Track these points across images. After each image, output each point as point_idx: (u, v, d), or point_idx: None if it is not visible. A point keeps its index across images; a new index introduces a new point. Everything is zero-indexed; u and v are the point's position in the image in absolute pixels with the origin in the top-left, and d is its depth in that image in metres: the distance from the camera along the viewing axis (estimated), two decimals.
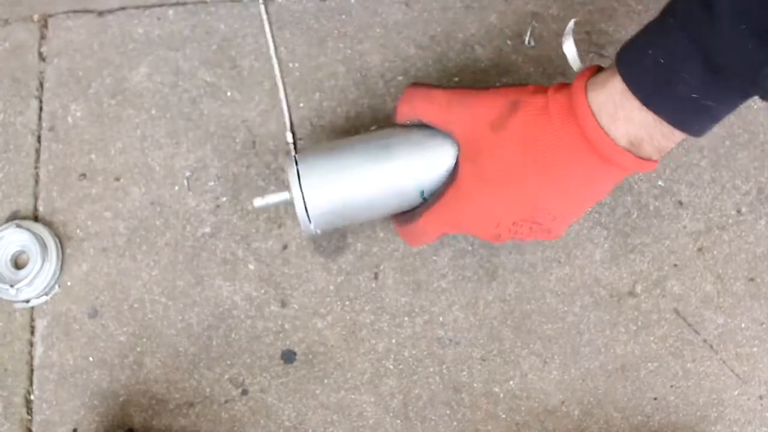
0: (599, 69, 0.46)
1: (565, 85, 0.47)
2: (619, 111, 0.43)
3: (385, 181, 0.51)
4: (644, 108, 0.42)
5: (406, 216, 0.54)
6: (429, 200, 0.52)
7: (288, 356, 0.60)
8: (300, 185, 0.50)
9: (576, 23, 0.51)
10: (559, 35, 0.62)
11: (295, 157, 0.51)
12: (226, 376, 0.60)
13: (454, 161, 0.51)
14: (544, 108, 0.46)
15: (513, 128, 0.47)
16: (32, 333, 0.61)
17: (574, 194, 0.48)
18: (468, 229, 0.51)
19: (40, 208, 0.62)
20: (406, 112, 0.53)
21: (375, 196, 0.51)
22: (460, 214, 0.50)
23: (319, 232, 0.53)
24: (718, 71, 0.39)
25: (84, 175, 0.63)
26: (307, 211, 0.51)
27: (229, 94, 0.63)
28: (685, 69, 0.40)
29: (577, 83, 0.45)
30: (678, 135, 0.43)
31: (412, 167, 0.51)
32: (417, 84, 0.53)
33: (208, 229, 0.61)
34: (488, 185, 0.48)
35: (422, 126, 0.52)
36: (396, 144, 0.51)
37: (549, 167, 0.46)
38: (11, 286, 0.59)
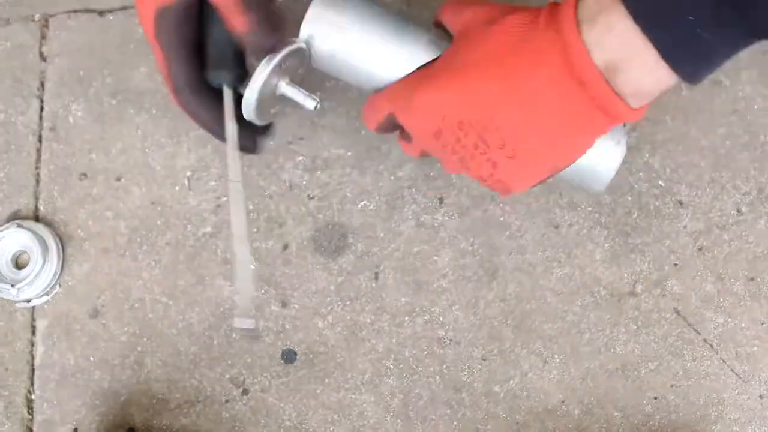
0: None
1: None
2: (598, 17, 0.39)
3: (380, 60, 0.48)
4: (629, 18, 0.37)
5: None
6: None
7: (288, 356, 0.60)
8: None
9: None
10: None
11: None
12: (227, 376, 0.60)
13: None
14: (538, 12, 0.43)
15: (501, 23, 0.43)
16: (33, 333, 0.61)
17: (534, 117, 0.42)
18: (412, 114, 0.46)
19: (41, 208, 0.62)
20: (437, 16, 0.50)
21: (364, 68, 0.49)
22: (410, 95, 0.45)
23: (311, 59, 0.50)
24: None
25: (85, 174, 0.63)
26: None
27: None
28: None
29: None
30: (661, 74, 0.39)
31: (409, 59, 0.48)
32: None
33: (209, 229, 0.62)
34: (449, 71, 0.44)
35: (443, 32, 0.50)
36: (409, 35, 0.48)
37: (515, 66, 0.42)
38: (12, 285, 0.59)
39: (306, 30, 0.49)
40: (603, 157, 0.49)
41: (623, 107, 0.41)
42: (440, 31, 0.50)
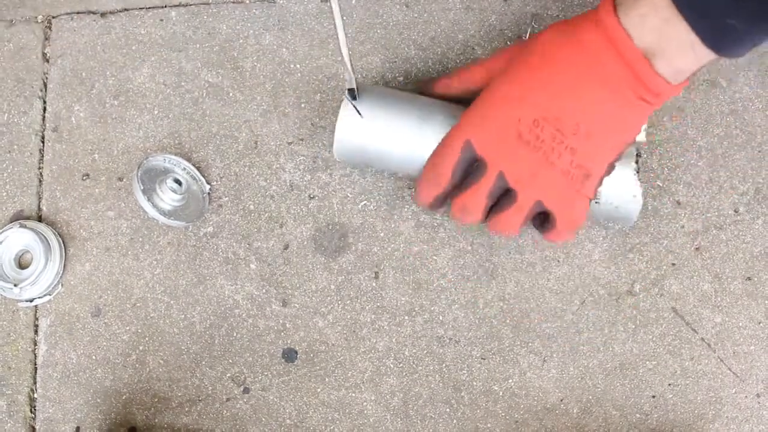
0: None
1: None
2: (637, 7, 0.44)
3: (413, 146, 0.54)
4: (666, 3, 0.42)
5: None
6: None
7: (289, 355, 0.60)
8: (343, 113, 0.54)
9: None
10: None
11: (352, 90, 0.54)
12: (228, 375, 0.60)
13: None
14: (578, 17, 0.48)
15: (539, 36, 0.49)
16: (36, 332, 0.61)
17: (595, 100, 0.47)
18: (490, 129, 0.50)
19: (44, 208, 0.63)
20: (445, 86, 0.57)
21: (398, 155, 0.54)
22: (483, 114, 0.50)
23: (338, 159, 0.57)
24: None
25: (87, 175, 0.63)
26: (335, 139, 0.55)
27: (231, 94, 0.64)
28: None
29: None
30: (699, 54, 0.43)
31: (449, 120, 0.53)
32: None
33: (210, 229, 0.62)
34: (511, 81, 0.50)
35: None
36: (437, 117, 0.54)
37: (568, 60, 0.47)
38: (15, 285, 0.59)
39: (339, 152, 0.56)
40: (624, 205, 0.55)
41: (663, 85, 0.45)
42: (458, 105, 0.55)
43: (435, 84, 0.57)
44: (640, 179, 0.54)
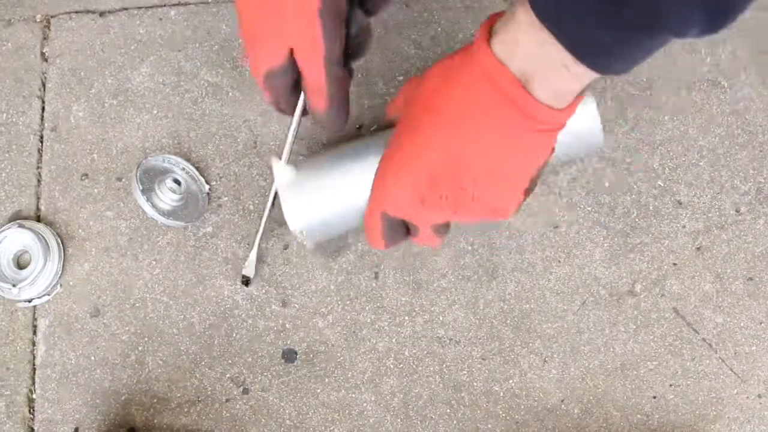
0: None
1: None
2: (508, 34, 0.42)
3: (358, 191, 0.51)
4: (532, 23, 0.39)
5: None
6: None
7: (289, 355, 0.60)
8: (283, 204, 0.52)
9: None
10: None
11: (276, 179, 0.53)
12: (228, 375, 0.60)
13: None
14: (457, 52, 0.46)
15: (426, 77, 0.47)
16: (34, 332, 0.61)
17: (481, 141, 0.44)
18: (393, 198, 0.48)
19: (43, 208, 0.62)
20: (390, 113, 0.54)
21: (353, 206, 0.52)
22: (382, 184, 0.49)
23: (309, 245, 0.55)
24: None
25: (86, 175, 0.63)
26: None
27: (230, 94, 0.63)
28: None
29: (485, 22, 0.44)
30: (573, 71, 0.41)
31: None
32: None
33: (209, 229, 0.62)
34: (398, 141, 0.48)
35: None
36: (370, 152, 0.52)
37: (445, 103, 0.45)
38: (14, 285, 0.59)
39: (296, 230, 0.53)
40: (581, 125, 0.51)
41: (545, 110, 0.42)
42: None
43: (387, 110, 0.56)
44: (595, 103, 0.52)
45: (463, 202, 0.47)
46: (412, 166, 0.46)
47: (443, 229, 0.50)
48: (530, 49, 0.41)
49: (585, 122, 0.52)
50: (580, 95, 0.44)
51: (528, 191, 0.47)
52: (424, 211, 0.48)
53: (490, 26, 0.43)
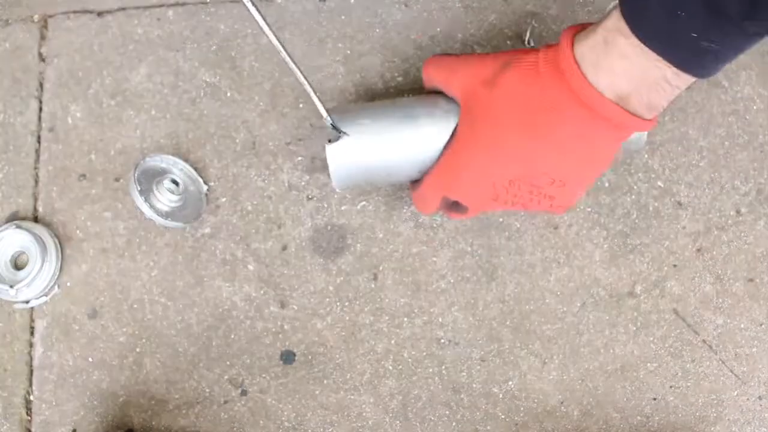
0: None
1: (557, 44, 0.47)
2: (601, 60, 0.43)
3: (407, 148, 0.52)
4: (633, 46, 0.41)
5: (418, 182, 0.55)
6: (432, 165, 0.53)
7: (287, 357, 0.60)
8: (330, 142, 0.53)
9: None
10: (559, 35, 0.62)
11: (330, 116, 0.53)
12: (226, 377, 0.60)
13: None
14: (534, 64, 0.47)
15: (503, 85, 0.47)
16: (32, 334, 0.61)
17: (570, 153, 0.47)
18: (465, 192, 0.51)
19: (40, 209, 0.62)
20: (426, 80, 0.55)
21: (396, 162, 0.53)
22: (455, 176, 0.50)
23: (338, 189, 0.56)
24: (718, 12, 0.38)
25: (84, 175, 0.63)
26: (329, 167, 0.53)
27: (228, 94, 0.63)
28: (684, 7, 0.39)
29: (565, 35, 0.45)
30: (671, 83, 0.42)
31: (434, 136, 0.52)
32: (437, 55, 0.55)
33: (207, 230, 0.61)
34: (480, 143, 0.49)
35: (447, 97, 0.54)
36: (421, 114, 0.53)
37: (539, 123, 0.46)
38: (11, 286, 0.59)
39: (338, 180, 0.54)
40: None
41: (644, 123, 0.45)
42: (438, 95, 0.54)
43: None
44: None
45: (536, 200, 0.50)
46: (493, 172, 0.49)
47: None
48: (630, 71, 0.43)
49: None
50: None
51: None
52: (493, 205, 0.51)
53: (572, 44, 0.45)
